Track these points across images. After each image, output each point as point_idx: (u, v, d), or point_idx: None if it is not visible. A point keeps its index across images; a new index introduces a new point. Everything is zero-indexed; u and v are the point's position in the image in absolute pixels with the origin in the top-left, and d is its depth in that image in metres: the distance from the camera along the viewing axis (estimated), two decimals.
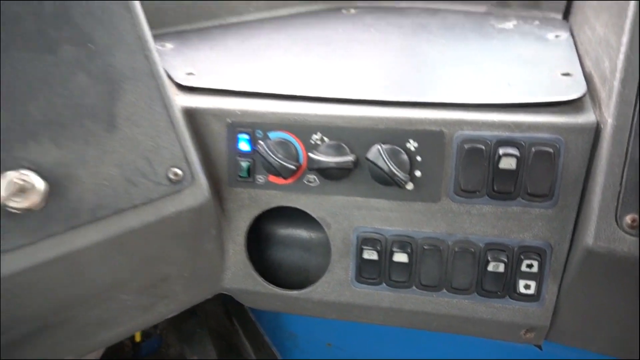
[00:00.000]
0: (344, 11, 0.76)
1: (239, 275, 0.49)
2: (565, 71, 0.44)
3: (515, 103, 0.41)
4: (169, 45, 0.60)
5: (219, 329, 0.95)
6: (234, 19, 0.70)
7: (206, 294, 0.51)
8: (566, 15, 0.62)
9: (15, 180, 0.36)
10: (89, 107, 0.38)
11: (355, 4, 0.78)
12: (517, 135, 0.40)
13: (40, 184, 0.37)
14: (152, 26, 0.42)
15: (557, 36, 0.53)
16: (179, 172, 0.42)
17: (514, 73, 0.46)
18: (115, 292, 0.44)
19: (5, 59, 0.36)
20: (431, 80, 0.49)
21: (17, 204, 0.36)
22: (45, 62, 0.37)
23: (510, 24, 0.60)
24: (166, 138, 0.41)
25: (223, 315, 0.96)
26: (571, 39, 0.52)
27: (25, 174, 0.36)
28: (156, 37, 0.46)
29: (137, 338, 0.95)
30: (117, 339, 0.49)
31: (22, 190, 0.36)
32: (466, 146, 0.41)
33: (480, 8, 0.72)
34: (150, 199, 0.40)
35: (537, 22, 0.59)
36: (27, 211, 0.36)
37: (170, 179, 0.41)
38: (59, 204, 0.37)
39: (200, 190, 0.43)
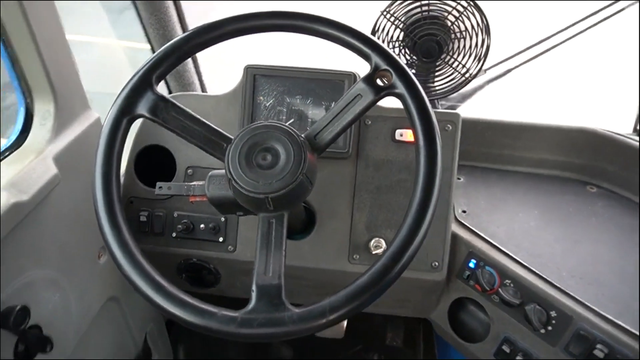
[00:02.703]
0: (588, 188, 1.07)
1: (440, 315, 0.96)
2: None
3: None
4: (461, 180, 1.07)
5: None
6: (509, 167, 1.11)
7: (424, 315, 1.00)
8: None
9: (376, 241, 0.90)
10: None
11: (600, 182, 1.08)
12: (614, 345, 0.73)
13: (383, 245, 0.90)
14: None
15: None
16: (437, 264, 0.90)
17: None
18: (395, 296, 0.97)
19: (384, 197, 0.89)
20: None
21: (375, 250, 0.90)
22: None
23: None
24: (440, 243, 0.88)
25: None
26: None
27: (379, 240, 0.90)
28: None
29: None
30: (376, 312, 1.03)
31: (377, 246, 0.90)
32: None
33: None
34: (421, 271, 0.89)
35: None
36: (376, 255, 0.90)
37: (432, 265, 0.90)
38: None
39: (441, 274, 0.90)
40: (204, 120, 0.63)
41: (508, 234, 0.92)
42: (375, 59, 0.62)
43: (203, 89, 1.35)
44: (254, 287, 0.56)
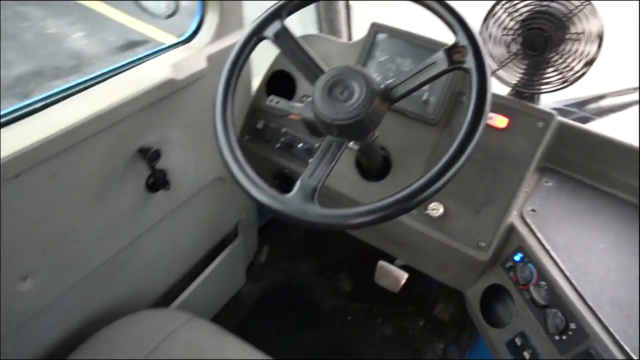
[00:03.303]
0: None
1: (474, 294, 1.02)
2: None
3: None
4: (549, 183, 1.06)
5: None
6: (609, 189, 1.05)
7: (460, 288, 1.07)
8: None
9: (435, 205, 0.98)
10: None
11: None
12: None
13: (440, 210, 0.98)
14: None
15: None
16: (484, 244, 0.95)
17: None
18: (438, 260, 1.06)
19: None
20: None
21: (431, 212, 0.99)
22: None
23: None
24: (494, 227, 0.93)
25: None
26: None
27: (439, 204, 0.98)
28: (546, 169, 0.95)
29: None
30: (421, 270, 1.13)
31: (434, 209, 0.98)
32: None
33: None
34: (467, 245, 0.96)
35: None
36: (429, 216, 0.99)
37: (478, 244, 0.95)
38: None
39: (484, 255, 0.95)
40: (310, 52, 0.79)
41: (567, 245, 0.92)
42: (460, 35, 0.69)
43: (350, 37, 1.51)
44: (298, 183, 0.71)
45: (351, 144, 0.96)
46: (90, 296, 1.00)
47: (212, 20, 1.01)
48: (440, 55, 0.70)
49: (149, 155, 0.92)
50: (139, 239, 1.05)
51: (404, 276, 1.44)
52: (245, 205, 1.41)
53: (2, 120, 0.76)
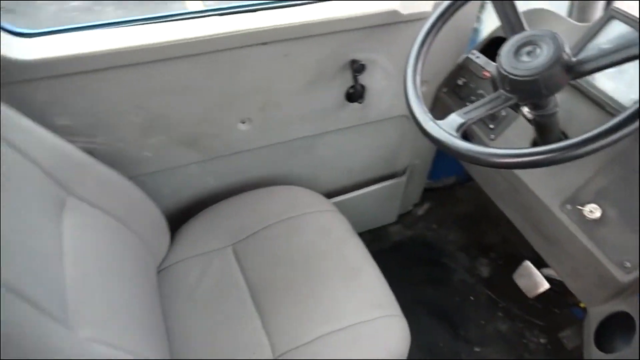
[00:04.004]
0: None
1: (597, 314, 0.95)
2: None
3: None
4: None
5: None
6: None
7: (586, 302, 1.00)
8: None
9: (593, 207, 0.92)
10: None
11: None
12: None
13: (597, 214, 0.92)
14: None
15: None
16: (629, 264, 0.87)
17: None
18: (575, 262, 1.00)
19: None
20: None
21: (586, 213, 0.93)
22: None
23: None
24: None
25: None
26: None
27: (597, 208, 0.92)
28: None
29: None
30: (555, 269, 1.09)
31: (591, 212, 0.93)
32: None
33: None
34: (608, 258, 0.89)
35: None
36: (584, 217, 0.94)
37: (623, 262, 0.88)
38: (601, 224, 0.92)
39: (625, 277, 0.87)
40: (519, 12, 0.83)
41: None
42: None
43: None
44: (452, 114, 0.80)
45: (526, 111, 0.98)
46: (271, 159, 1.30)
47: None
48: None
49: (356, 66, 1.12)
50: (323, 135, 1.29)
51: (544, 284, 1.37)
52: (419, 152, 1.53)
53: (261, 5, 1.05)
